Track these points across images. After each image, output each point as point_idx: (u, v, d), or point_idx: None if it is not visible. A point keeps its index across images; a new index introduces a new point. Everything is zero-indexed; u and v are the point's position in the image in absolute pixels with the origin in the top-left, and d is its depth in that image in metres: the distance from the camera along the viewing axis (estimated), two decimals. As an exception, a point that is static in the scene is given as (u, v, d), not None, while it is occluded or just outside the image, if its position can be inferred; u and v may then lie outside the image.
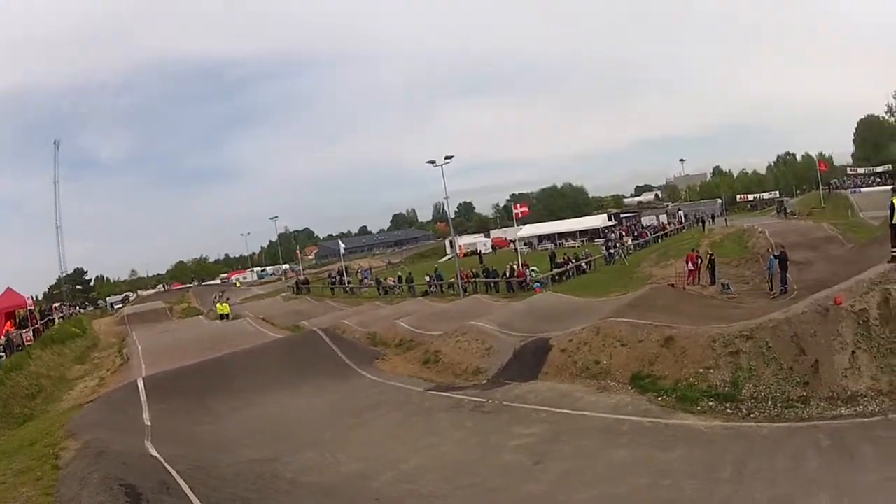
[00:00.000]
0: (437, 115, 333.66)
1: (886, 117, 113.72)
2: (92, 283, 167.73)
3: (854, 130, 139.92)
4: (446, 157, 61.16)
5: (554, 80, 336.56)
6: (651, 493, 15.19)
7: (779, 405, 19.19)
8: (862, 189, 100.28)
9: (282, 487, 18.20)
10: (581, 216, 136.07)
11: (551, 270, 60.10)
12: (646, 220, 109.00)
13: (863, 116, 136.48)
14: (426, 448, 20.55)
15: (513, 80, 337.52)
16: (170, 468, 18.34)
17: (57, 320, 70.61)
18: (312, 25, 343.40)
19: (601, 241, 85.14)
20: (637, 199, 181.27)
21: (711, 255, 47.00)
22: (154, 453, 20.57)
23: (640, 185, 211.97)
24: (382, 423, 23.97)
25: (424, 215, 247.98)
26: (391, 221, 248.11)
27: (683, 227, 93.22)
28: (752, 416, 19.06)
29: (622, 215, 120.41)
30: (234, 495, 17.08)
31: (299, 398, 28.68)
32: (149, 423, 25.23)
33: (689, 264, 45.55)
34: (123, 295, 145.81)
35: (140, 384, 30.09)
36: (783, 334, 21.36)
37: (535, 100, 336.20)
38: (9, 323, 52.10)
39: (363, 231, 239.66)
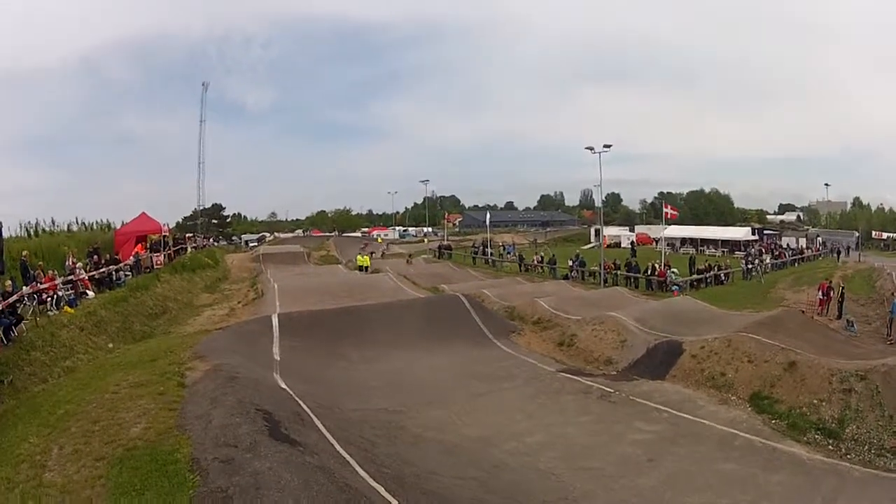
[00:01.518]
0: (591, 100, 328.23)
1: None
2: (228, 220, 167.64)
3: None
4: (605, 146, 59.94)
5: (712, 80, 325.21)
6: None
7: (873, 451, 19.37)
8: None
9: (406, 439, 19.18)
10: (725, 225, 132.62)
11: (690, 275, 59.56)
12: (785, 241, 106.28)
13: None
14: (550, 426, 21.30)
15: (670, 75, 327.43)
16: (301, 402, 19.63)
17: (189, 249, 72.18)
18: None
19: (741, 254, 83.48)
20: (780, 217, 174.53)
21: (843, 288, 45.67)
22: (284, 386, 21.89)
23: (784, 202, 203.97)
24: (511, 395, 24.69)
25: (571, 199, 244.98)
26: (538, 201, 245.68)
27: (820, 255, 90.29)
28: (848, 456, 19.32)
29: (765, 231, 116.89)
30: (362, 437, 18.08)
31: (432, 357, 29.52)
32: (278, 358, 26.19)
33: (821, 293, 44.50)
34: (260, 235, 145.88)
35: (274, 320, 31.25)
36: (892, 381, 21.45)
37: (688, 98, 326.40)
38: (139, 246, 53.42)
39: (509, 206, 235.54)
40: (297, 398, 20.05)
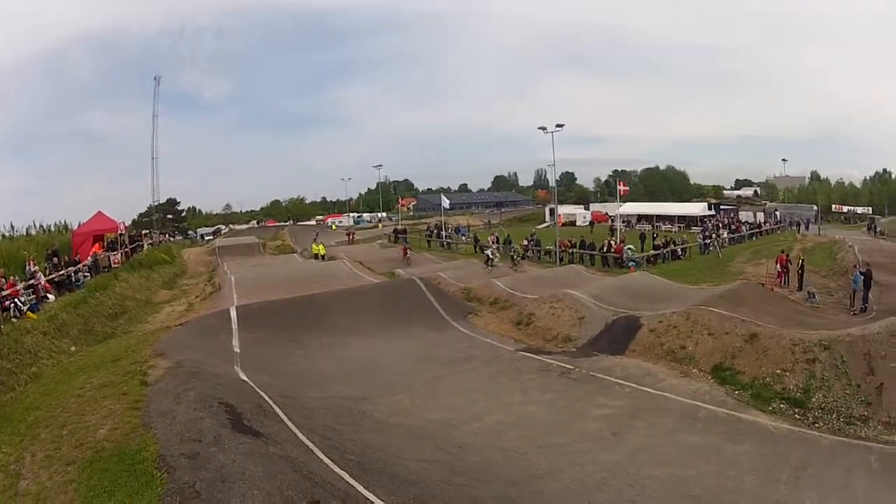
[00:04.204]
0: (547, 82, 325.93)
1: None
2: (183, 214, 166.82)
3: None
4: (557, 125, 59.38)
5: (666, 62, 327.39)
6: (715, 480, 15.77)
7: (842, 420, 19.32)
8: None
9: (369, 425, 19.06)
10: (681, 201, 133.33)
11: (642, 251, 59.58)
12: (743, 215, 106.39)
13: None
14: (512, 405, 21.33)
15: (625, 57, 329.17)
16: (263, 394, 19.53)
17: (146, 246, 71.22)
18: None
19: (698, 229, 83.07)
20: (737, 192, 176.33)
21: (802, 261, 45.78)
22: (245, 378, 21.81)
23: (741, 178, 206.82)
24: (471, 376, 24.69)
25: (525, 180, 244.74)
26: (492, 183, 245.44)
27: (778, 228, 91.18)
28: (816, 424, 19.31)
29: (721, 206, 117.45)
30: (325, 425, 17.91)
31: (392, 342, 29.53)
32: (238, 351, 26.43)
33: (779, 266, 44.82)
34: (215, 227, 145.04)
35: (232, 312, 31.30)
36: (857, 351, 21.51)
37: (644, 79, 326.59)
38: (97, 245, 52.87)
39: (463, 189, 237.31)
40: (258, 390, 20.02)
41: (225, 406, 16.85)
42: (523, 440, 18.12)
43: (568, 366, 25.23)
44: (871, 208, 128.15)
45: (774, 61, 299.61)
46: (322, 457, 14.57)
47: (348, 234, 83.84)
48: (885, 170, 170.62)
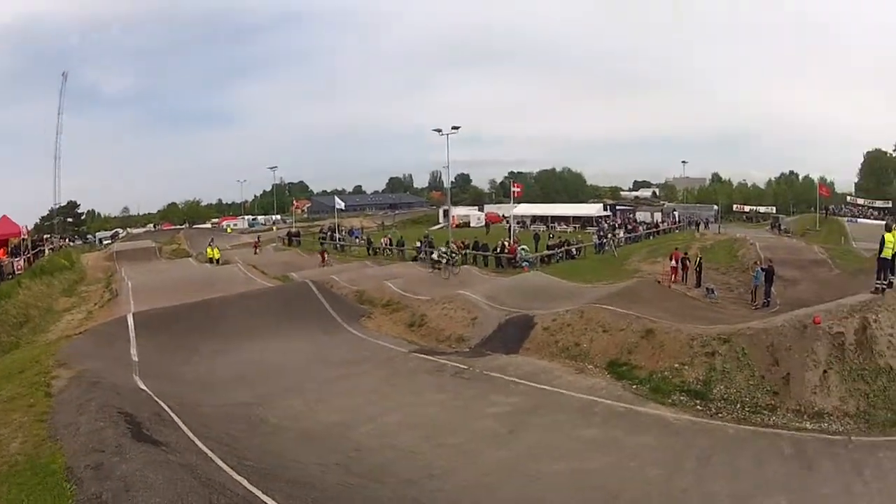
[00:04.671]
0: (443, 82, 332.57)
1: (894, 155, 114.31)
2: (83, 217, 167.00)
3: (861, 162, 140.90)
4: (453, 127, 60.97)
5: (565, 63, 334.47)
6: (617, 472, 16.08)
7: (747, 409, 20.08)
8: (859, 220, 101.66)
9: (267, 430, 19.09)
10: (577, 202, 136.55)
11: (536, 251, 60.71)
12: (640, 216, 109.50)
13: (871, 150, 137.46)
14: (407, 406, 21.47)
15: (523, 57, 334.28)
16: (161, 402, 19.31)
17: (47, 251, 70.38)
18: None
19: (594, 229, 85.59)
20: (634, 193, 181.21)
21: (700, 258, 47.80)
22: (143, 387, 21.54)
23: (639, 180, 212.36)
24: (365, 379, 24.82)
25: (420, 181, 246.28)
26: (387, 184, 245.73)
27: (677, 228, 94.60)
28: (720, 415, 19.98)
29: (618, 207, 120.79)
30: (223, 432, 17.82)
31: (286, 346, 29.61)
32: (136, 359, 26.18)
33: (673, 261, 46.77)
34: (113, 231, 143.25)
35: (129, 320, 30.94)
36: (760, 343, 22.39)
37: (542, 80, 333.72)
38: (1, 251, 52.21)
39: (357, 190, 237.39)
40: (156, 398, 19.84)
41: (125, 416, 16.86)
42: (419, 440, 18.42)
43: (462, 366, 25.73)
44: (774, 208, 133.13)
45: (677, 63, 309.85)
46: (221, 464, 14.67)
47: (255, 244, 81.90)
48: (791, 171, 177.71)
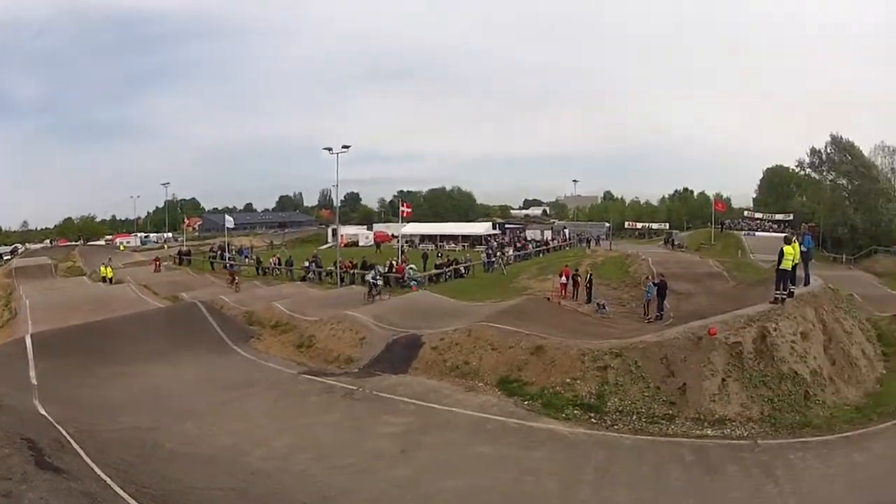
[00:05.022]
0: (336, 100, 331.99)
1: (796, 170, 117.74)
2: None
3: (760, 178, 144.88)
4: (343, 146, 60.85)
5: (457, 82, 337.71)
6: (514, 487, 16.43)
7: (643, 420, 20.89)
8: (757, 233, 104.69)
9: (163, 455, 18.84)
10: (466, 221, 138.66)
11: (424, 270, 61.25)
12: (530, 234, 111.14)
13: (771, 165, 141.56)
14: (298, 428, 21.55)
15: (415, 76, 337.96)
16: (60, 428, 19.02)
17: None
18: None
19: (482, 247, 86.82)
20: (525, 212, 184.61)
21: (590, 274, 49.23)
22: (43, 412, 21.37)
23: (530, 198, 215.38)
24: (256, 401, 24.84)
25: (311, 200, 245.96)
26: (277, 202, 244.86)
27: (567, 245, 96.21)
28: (615, 426, 20.65)
29: (507, 225, 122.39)
30: (121, 458, 17.53)
31: (178, 369, 29.45)
32: (35, 382, 26.29)
33: (563, 277, 47.58)
34: (13, 246, 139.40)
35: (28, 341, 30.81)
36: (653, 356, 23.35)
37: (434, 99, 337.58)
38: None
39: (248, 208, 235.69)
40: (56, 424, 19.66)
41: (28, 442, 16.52)
42: (313, 462, 18.59)
43: (351, 386, 26.04)
44: (668, 224, 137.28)
45: (571, 82, 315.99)
46: (119, 491, 14.51)
47: (155, 262, 79.87)
48: (685, 188, 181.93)
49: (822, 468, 17.55)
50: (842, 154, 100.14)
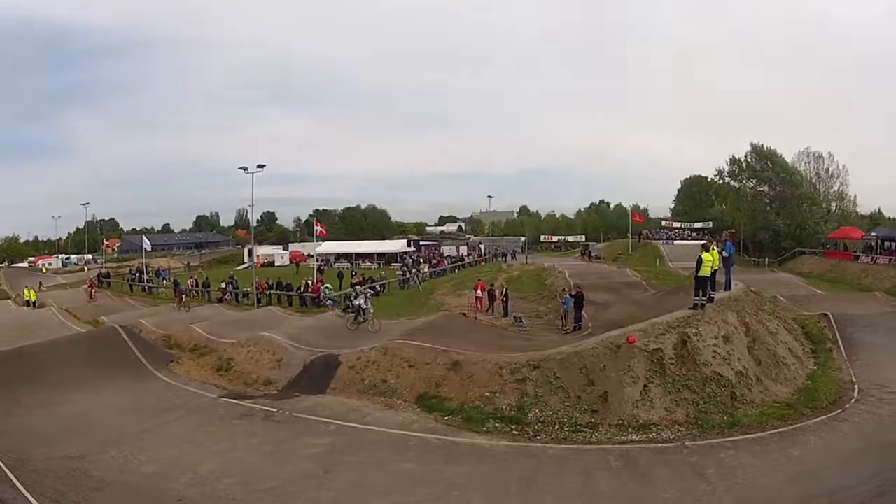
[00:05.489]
0: (253, 119, 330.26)
1: (715, 179, 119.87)
2: None
3: (678, 188, 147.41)
4: (259, 166, 60.56)
5: (374, 100, 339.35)
6: (441, 503, 16.35)
7: (566, 429, 21.07)
8: (675, 241, 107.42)
9: (92, 484, 18.45)
10: (382, 239, 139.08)
11: (340, 289, 61.11)
12: (445, 250, 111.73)
13: (688, 176, 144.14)
14: (222, 453, 21.15)
15: (332, 95, 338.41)
16: None
17: None
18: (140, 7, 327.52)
19: (398, 265, 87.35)
20: (440, 228, 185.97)
21: (506, 288, 49.74)
22: None
23: (445, 215, 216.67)
24: (179, 427, 24.40)
25: (227, 220, 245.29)
26: (194, 223, 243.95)
27: (483, 261, 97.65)
28: (538, 437, 20.81)
29: (422, 243, 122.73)
30: (53, 488, 17.36)
31: (102, 396, 28.73)
32: None
33: (478, 291, 48.28)
34: None
35: None
36: (571, 366, 23.68)
37: (351, 119, 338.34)
38: None
39: (166, 229, 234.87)
40: None
41: None
42: (238, 487, 18.32)
43: (271, 409, 25.82)
44: (584, 236, 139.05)
45: (486, 100, 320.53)
46: None
47: (90, 287, 77.46)
48: (601, 200, 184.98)
49: (757, 464, 17.94)
50: (763, 162, 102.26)
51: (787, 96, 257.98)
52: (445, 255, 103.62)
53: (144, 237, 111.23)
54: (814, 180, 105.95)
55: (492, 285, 50.62)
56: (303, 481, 18.43)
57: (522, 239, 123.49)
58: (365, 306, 40.40)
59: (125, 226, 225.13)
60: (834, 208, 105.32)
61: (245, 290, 63.62)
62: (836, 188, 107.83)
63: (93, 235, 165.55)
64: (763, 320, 29.16)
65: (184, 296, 61.62)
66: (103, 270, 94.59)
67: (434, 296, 57.61)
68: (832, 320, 33.84)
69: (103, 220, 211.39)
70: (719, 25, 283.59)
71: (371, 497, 17.00)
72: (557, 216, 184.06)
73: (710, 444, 19.48)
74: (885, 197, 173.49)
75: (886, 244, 73.14)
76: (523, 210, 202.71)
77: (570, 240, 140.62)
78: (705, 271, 26.50)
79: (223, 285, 65.64)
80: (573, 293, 39.89)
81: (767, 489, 16.33)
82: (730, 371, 23.19)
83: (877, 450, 18.51)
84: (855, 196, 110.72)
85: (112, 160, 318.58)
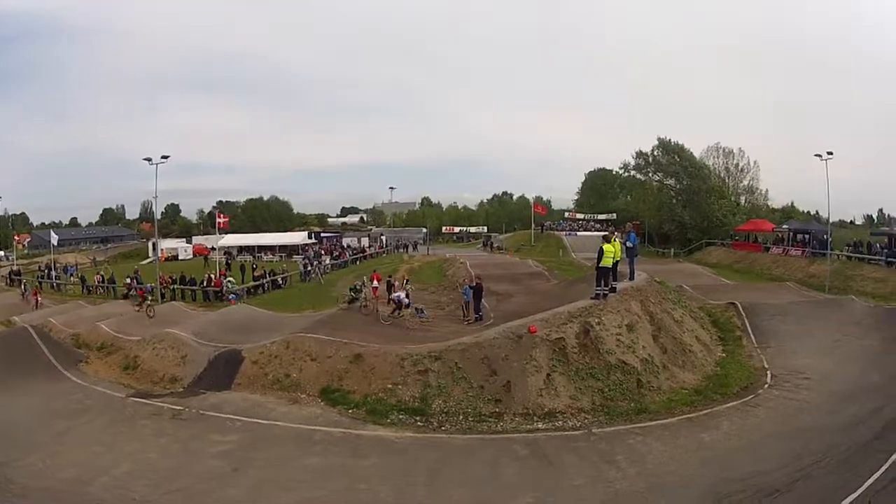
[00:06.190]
0: (158, 109, 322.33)
1: (620, 172, 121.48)
2: None
3: (582, 180, 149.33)
4: (163, 157, 59.34)
5: (277, 93, 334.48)
6: (349, 496, 16.52)
7: (470, 419, 21.47)
8: (579, 233, 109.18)
9: (17, 491, 18.45)
10: (284, 231, 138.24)
11: (243, 283, 60.91)
12: (347, 241, 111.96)
13: (593, 169, 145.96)
14: (134, 454, 20.93)
15: (233, 84, 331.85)
16: None
17: None
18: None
19: (300, 257, 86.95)
20: (342, 219, 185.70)
21: (407, 279, 50.29)
22: None
23: (348, 206, 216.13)
24: (91, 429, 24.02)
25: (133, 212, 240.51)
26: (101, 216, 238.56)
27: (384, 252, 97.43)
28: (443, 428, 21.16)
29: (323, 234, 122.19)
30: None
31: (16, 398, 28.23)
32: None
33: (374, 282, 47.54)
34: None
35: None
36: (473, 356, 24.13)
37: (256, 108, 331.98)
38: None
39: (74, 223, 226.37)
40: None
41: None
42: (151, 489, 18.22)
43: (178, 407, 25.50)
44: (486, 227, 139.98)
45: (387, 91, 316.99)
46: None
47: (35, 295, 73.82)
48: (504, 192, 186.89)
49: (668, 449, 18.54)
50: (670, 156, 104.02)
51: (697, 94, 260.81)
52: (346, 246, 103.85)
53: (52, 232, 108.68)
54: (723, 174, 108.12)
55: (390, 277, 50.58)
56: (212, 480, 18.43)
57: (424, 230, 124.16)
58: (408, 300, 40.48)
59: (35, 220, 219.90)
60: (744, 202, 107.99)
61: (149, 285, 61.12)
62: (746, 182, 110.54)
63: (4, 230, 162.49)
64: (668, 309, 29.85)
65: (149, 296, 52.99)
66: (14, 267, 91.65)
67: (335, 288, 57.54)
68: (741, 309, 34.71)
69: (14, 214, 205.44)
70: (626, 20, 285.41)
71: (280, 493, 17.09)
72: (460, 207, 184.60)
73: (617, 430, 19.99)
74: (798, 193, 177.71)
75: (799, 236, 75.36)
76: (425, 201, 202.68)
77: (472, 231, 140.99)
78: (607, 262, 27.00)
79: (128, 281, 63.74)
80: (472, 284, 40.17)
81: (679, 474, 16.81)
82: (634, 359, 23.78)
83: (795, 434, 19.16)
84: (766, 190, 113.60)
85: (22, 152, 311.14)
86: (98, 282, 68.87)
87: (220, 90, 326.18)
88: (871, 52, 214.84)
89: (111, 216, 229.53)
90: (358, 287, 45.08)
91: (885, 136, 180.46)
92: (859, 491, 13.19)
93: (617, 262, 27.71)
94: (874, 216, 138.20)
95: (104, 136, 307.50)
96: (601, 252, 26.96)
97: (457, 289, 48.35)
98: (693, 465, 17.18)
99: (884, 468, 14.00)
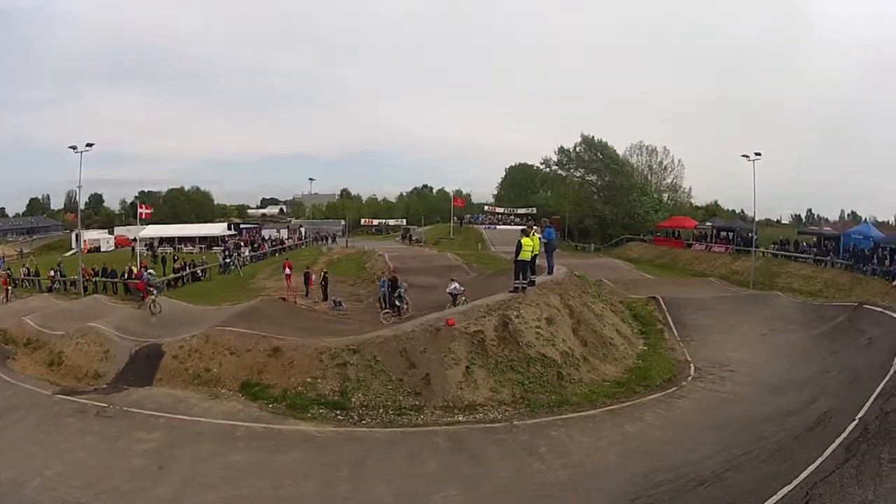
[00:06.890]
0: (85, 96, 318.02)
1: (541, 167, 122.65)
2: None
3: (503, 175, 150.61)
4: (88, 144, 58.71)
5: (198, 82, 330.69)
6: (274, 492, 16.59)
7: (391, 412, 21.75)
8: (498, 226, 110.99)
9: None
10: (204, 222, 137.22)
11: (164, 275, 60.29)
12: (266, 233, 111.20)
13: (513, 164, 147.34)
14: (63, 453, 20.64)
15: (157, 73, 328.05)
16: None
17: None
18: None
19: (219, 249, 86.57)
20: (262, 211, 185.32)
21: (325, 272, 50.21)
22: None
23: (267, 197, 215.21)
24: (21, 428, 23.71)
25: (58, 203, 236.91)
26: (27, 206, 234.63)
27: (303, 244, 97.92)
28: (363, 422, 21.43)
29: (242, 226, 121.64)
30: None
31: None
32: None
33: (286, 270, 49.07)
34: None
35: None
36: (392, 349, 24.41)
37: (175, 96, 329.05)
38: None
39: (1, 213, 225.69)
40: None
41: None
42: (82, 490, 17.89)
43: (102, 404, 24.97)
44: (405, 220, 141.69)
45: (309, 82, 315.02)
46: None
47: (4, 283, 70.73)
48: (425, 185, 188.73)
49: (591, 441, 18.99)
50: (593, 152, 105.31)
51: (623, 94, 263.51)
52: (266, 238, 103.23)
53: None
54: (646, 172, 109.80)
55: (308, 268, 51.19)
56: (139, 479, 18.22)
57: (342, 222, 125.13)
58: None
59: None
60: (666, 199, 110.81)
61: (72, 277, 61.57)
62: (669, 180, 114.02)
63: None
64: (587, 303, 30.39)
65: (154, 290, 43.88)
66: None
67: (254, 280, 58.05)
68: (662, 303, 35.47)
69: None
70: (553, 17, 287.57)
71: (206, 491, 17.06)
72: (380, 200, 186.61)
73: (539, 423, 20.40)
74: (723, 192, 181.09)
75: (722, 234, 78.00)
76: (345, 193, 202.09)
77: (391, 223, 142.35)
78: (525, 255, 27.50)
79: (52, 273, 63.72)
80: (389, 277, 40.80)
81: (605, 465, 17.19)
82: (554, 352, 24.29)
83: (723, 425, 19.58)
84: (690, 188, 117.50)
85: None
86: (24, 275, 67.80)
87: (141, 78, 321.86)
88: (803, 54, 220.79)
89: (37, 206, 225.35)
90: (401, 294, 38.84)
91: (814, 138, 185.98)
92: (795, 482, 13.20)
93: (535, 255, 28.17)
94: (803, 216, 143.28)
95: (31, 124, 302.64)
96: (519, 245, 27.44)
97: (375, 282, 48.78)
98: (618, 456, 17.55)
99: (820, 459, 13.98)
